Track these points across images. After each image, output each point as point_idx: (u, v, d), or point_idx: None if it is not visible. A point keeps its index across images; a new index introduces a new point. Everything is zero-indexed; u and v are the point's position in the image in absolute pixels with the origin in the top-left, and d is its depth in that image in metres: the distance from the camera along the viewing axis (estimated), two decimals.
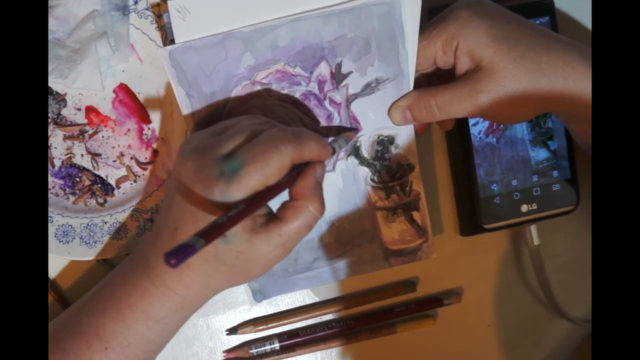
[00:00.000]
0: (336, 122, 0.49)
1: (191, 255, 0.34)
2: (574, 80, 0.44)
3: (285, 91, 0.48)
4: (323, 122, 0.49)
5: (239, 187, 0.39)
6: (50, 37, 0.48)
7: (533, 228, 0.55)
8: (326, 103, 0.49)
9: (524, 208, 0.54)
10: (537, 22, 0.53)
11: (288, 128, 0.43)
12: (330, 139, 0.48)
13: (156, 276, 0.42)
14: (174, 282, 0.42)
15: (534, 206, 0.54)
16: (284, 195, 0.42)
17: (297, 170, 0.42)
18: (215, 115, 0.48)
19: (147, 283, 0.42)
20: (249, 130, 0.42)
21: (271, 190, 0.41)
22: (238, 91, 0.47)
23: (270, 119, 0.47)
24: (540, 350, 0.60)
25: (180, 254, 0.34)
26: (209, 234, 0.36)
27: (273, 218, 0.42)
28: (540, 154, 0.54)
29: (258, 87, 0.47)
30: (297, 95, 0.48)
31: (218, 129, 0.43)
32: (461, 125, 0.53)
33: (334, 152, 0.46)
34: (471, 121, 0.53)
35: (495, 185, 0.54)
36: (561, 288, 0.57)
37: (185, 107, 0.47)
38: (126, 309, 0.43)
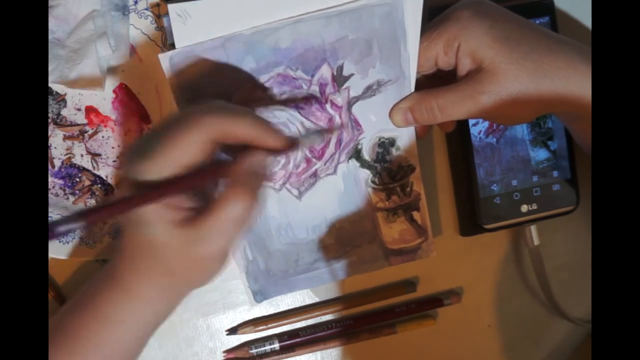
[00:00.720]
0: (337, 125, 0.49)
1: (64, 231, 0.33)
2: (575, 81, 0.44)
3: (286, 95, 0.48)
4: (324, 126, 0.49)
5: (152, 166, 0.36)
6: (50, 37, 0.48)
7: (533, 228, 0.55)
8: (327, 106, 0.49)
9: (524, 208, 0.54)
10: (537, 22, 0.53)
11: (224, 103, 0.40)
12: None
13: (120, 280, 0.41)
14: (136, 284, 0.41)
15: (534, 206, 0.54)
16: None
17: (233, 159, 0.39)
18: None
19: (115, 289, 0.41)
20: (181, 111, 0.40)
21: (185, 177, 0.37)
22: (239, 95, 0.47)
23: (270, 122, 0.47)
24: (540, 350, 0.60)
25: (59, 225, 0.33)
26: (88, 213, 0.35)
27: (205, 210, 0.38)
28: (540, 154, 0.54)
29: (259, 91, 0.47)
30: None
31: None
32: (461, 125, 0.53)
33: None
34: (471, 121, 0.53)
35: (495, 185, 0.54)
36: (561, 288, 0.57)
37: None
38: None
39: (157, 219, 0.38)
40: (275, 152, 0.40)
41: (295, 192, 0.51)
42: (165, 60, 0.45)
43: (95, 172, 0.52)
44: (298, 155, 0.50)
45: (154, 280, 0.41)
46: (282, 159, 0.49)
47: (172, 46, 0.45)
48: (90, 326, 0.42)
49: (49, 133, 0.51)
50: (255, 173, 0.39)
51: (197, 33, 0.45)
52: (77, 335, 0.42)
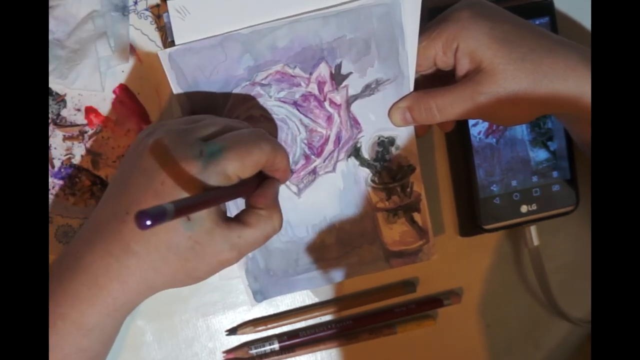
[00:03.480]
0: (336, 123, 0.49)
1: (162, 222, 0.32)
2: (574, 81, 0.44)
3: (284, 92, 0.48)
4: (323, 123, 0.49)
5: (216, 170, 0.39)
6: (49, 37, 0.48)
7: (533, 229, 0.55)
8: (326, 104, 0.49)
9: (524, 208, 0.54)
10: (537, 22, 0.53)
11: (268, 134, 0.43)
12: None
13: (88, 276, 0.40)
14: (109, 279, 0.40)
15: (534, 207, 0.54)
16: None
17: (258, 181, 0.43)
18: None
19: (77, 286, 0.40)
20: (223, 123, 0.42)
21: (244, 186, 0.41)
22: (238, 92, 0.47)
23: (270, 119, 0.47)
24: (539, 351, 0.60)
25: (155, 216, 0.32)
26: (184, 207, 0.35)
27: (233, 219, 0.42)
28: (540, 155, 0.54)
29: (258, 88, 0.48)
30: (297, 96, 0.48)
31: (190, 119, 0.43)
32: (461, 125, 0.53)
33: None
34: (471, 122, 0.53)
35: (494, 185, 0.54)
36: (561, 289, 0.57)
37: (185, 109, 0.47)
38: (58, 320, 0.40)
39: (209, 215, 0.39)
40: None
41: (294, 188, 0.51)
42: (165, 57, 0.45)
43: (95, 172, 0.52)
44: (296, 152, 0.50)
45: (160, 277, 0.41)
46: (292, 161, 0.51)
47: (172, 43, 0.45)
48: (72, 338, 0.41)
49: (49, 133, 0.51)
50: (277, 198, 0.44)
51: (196, 30, 0.45)
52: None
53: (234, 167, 0.40)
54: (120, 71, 0.50)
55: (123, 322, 0.43)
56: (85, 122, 0.51)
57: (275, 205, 0.43)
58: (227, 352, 0.55)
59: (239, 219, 0.42)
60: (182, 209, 0.35)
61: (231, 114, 0.48)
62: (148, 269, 0.40)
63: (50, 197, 0.51)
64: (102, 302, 0.40)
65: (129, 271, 0.40)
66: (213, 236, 0.40)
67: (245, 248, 0.42)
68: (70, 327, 0.40)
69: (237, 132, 0.41)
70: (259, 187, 0.43)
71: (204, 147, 0.39)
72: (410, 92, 0.49)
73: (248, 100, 0.48)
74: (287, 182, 0.51)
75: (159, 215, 0.32)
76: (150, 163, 0.40)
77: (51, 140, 0.51)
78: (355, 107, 0.49)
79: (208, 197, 0.38)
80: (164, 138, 0.40)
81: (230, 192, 0.40)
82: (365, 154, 0.51)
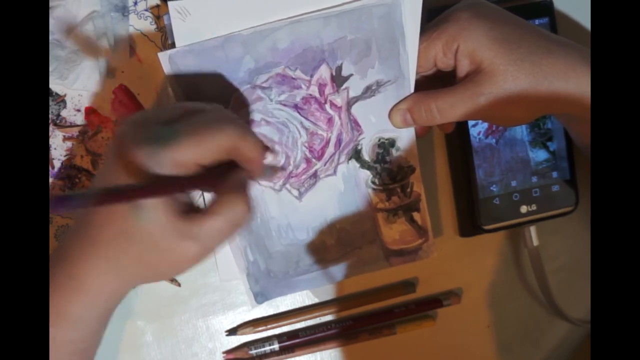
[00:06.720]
0: (337, 125, 0.49)
1: (74, 205, 0.31)
2: (574, 82, 0.44)
3: (285, 95, 0.48)
4: (324, 126, 0.49)
5: (167, 155, 0.36)
6: (50, 38, 0.49)
7: (532, 229, 0.56)
8: (327, 106, 0.49)
9: (523, 209, 0.54)
10: (536, 22, 0.53)
11: (239, 119, 0.41)
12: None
13: (67, 267, 0.40)
14: (79, 269, 0.40)
15: (533, 207, 0.55)
16: None
17: (224, 172, 0.40)
18: None
19: (61, 278, 0.40)
20: (191, 106, 0.40)
21: (209, 177, 0.38)
22: (238, 95, 0.47)
23: (270, 122, 0.47)
24: (539, 351, 0.60)
25: (66, 199, 0.31)
26: (104, 195, 0.33)
27: (195, 211, 0.39)
28: (539, 155, 0.54)
29: (258, 91, 0.47)
30: (298, 98, 0.48)
31: (164, 107, 0.42)
32: (461, 126, 0.53)
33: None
34: (470, 122, 0.53)
35: (494, 186, 0.54)
36: (560, 289, 0.57)
37: None
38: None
39: (161, 206, 0.37)
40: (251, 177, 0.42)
41: (295, 192, 0.51)
42: (165, 58, 0.45)
43: (95, 172, 0.52)
44: (298, 155, 0.50)
45: (124, 268, 0.40)
46: (282, 159, 0.50)
47: (173, 45, 0.45)
48: (58, 329, 0.41)
49: (49, 134, 0.51)
50: (245, 186, 0.40)
51: (196, 31, 0.45)
52: None
53: (190, 152, 0.37)
54: (120, 71, 0.50)
55: (108, 317, 0.43)
56: (85, 122, 0.51)
57: (240, 191, 0.39)
58: (227, 352, 0.55)
59: (202, 210, 0.39)
60: (106, 197, 0.33)
61: None
62: (111, 258, 0.39)
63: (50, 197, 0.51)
64: (80, 292, 0.40)
65: (95, 259, 0.39)
66: (166, 228, 0.37)
67: (210, 240, 0.39)
68: (59, 319, 0.40)
69: (199, 115, 0.39)
70: (227, 174, 0.40)
71: (158, 130, 0.37)
72: (411, 94, 0.49)
73: (247, 104, 0.48)
74: (288, 186, 0.50)
75: (73, 199, 0.31)
76: (110, 150, 0.39)
77: (51, 141, 0.51)
78: (355, 109, 0.49)
79: (142, 186, 0.35)
80: (125, 124, 0.39)
81: (187, 182, 0.37)
82: (366, 155, 0.51)
